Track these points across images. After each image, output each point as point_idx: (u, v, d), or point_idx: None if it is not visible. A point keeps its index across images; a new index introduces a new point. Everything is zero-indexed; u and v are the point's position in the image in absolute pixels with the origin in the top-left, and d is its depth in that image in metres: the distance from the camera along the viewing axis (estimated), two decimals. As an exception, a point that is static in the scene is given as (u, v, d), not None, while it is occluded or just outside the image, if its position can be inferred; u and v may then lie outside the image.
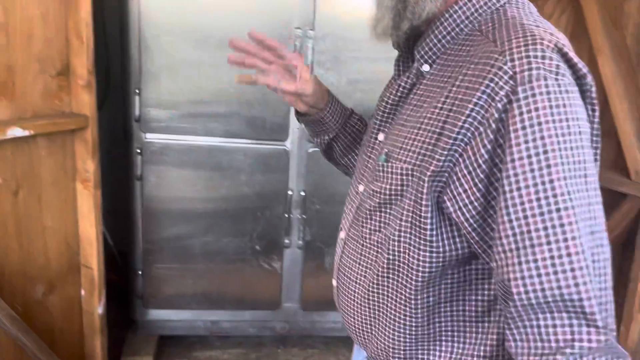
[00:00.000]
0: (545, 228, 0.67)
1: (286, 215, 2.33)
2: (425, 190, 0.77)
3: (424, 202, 0.78)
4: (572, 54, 0.73)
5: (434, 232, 0.79)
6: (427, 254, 0.80)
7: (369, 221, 0.89)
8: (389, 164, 0.84)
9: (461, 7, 0.82)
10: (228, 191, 2.28)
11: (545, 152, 0.67)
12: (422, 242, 0.80)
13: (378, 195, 0.87)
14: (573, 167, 0.68)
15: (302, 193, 2.32)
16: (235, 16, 2.11)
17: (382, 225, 0.87)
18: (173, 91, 2.14)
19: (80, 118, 1.71)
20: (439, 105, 0.78)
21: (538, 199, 0.67)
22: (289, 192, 2.31)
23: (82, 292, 1.88)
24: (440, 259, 0.81)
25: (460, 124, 0.73)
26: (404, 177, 0.82)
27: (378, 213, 0.87)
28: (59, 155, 1.72)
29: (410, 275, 0.83)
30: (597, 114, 0.76)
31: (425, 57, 0.85)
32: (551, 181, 0.67)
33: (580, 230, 0.67)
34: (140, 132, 2.18)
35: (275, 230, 2.34)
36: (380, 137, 0.93)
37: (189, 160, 2.22)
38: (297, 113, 1.18)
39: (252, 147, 2.24)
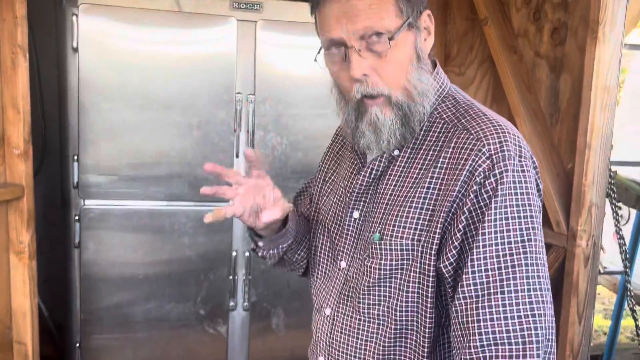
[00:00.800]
0: (502, 280, 0.81)
1: (231, 277, 2.31)
2: (432, 262, 0.88)
3: (431, 273, 0.88)
4: (524, 141, 0.91)
5: (435, 298, 0.90)
6: (433, 318, 0.90)
7: (367, 296, 0.95)
8: (385, 242, 0.92)
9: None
10: (170, 255, 2.25)
11: (507, 218, 0.83)
12: (427, 308, 0.90)
13: (377, 271, 0.94)
14: (526, 232, 0.84)
15: (247, 253, 2.32)
16: (178, 80, 2.16)
17: (382, 298, 0.94)
18: (113, 156, 2.14)
19: (15, 188, 1.68)
20: (426, 185, 0.90)
21: (498, 256, 0.82)
22: (233, 253, 2.31)
23: (15, 370, 1.78)
24: (440, 321, 0.91)
25: (451, 199, 0.86)
26: (405, 252, 0.91)
27: (377, 288, 0.94)
28: (-8, 227, 1.67)
29: (419, 340, 0.92)
30: (540, 182, 0.93)
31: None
32: (509, 242, 0.82)
33: (532, 285, 0.81)
34: (79, 199, 2.14)
35: (219, 292, 2.32)
36: (355, 214, 1.01)
37: (130, 225, 2.19)
38: (255, 234, 1.09)
39: (194, 209, 2.24)
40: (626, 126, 3.84)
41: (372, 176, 0.99)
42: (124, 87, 2.11)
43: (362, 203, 1.00)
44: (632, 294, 1.95)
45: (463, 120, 0.92)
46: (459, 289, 0.83)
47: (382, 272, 0.93)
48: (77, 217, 2.14)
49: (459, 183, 0.86)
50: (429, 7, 0.95)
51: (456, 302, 0.84)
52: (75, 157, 2.11)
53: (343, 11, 0.88)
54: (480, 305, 0.81)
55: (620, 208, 3.18)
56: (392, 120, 0.92)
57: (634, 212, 3.02)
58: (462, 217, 0.85)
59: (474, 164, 0.86)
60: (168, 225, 2.23)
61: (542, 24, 1.79)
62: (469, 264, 0.83)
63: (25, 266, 1.73)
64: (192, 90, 2.18)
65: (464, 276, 0.83)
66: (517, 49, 1.87)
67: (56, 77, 2.19)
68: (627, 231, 3.08)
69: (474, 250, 0.83)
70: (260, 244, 1.10)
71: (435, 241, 0.88)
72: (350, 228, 1.01)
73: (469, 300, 0.82)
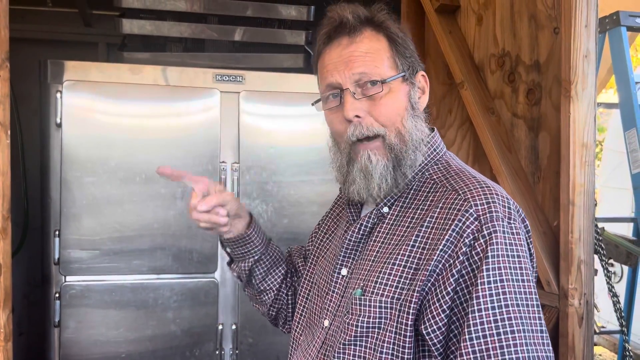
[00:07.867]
0: (502, 347, 0.80)
1: (217, 352, 2.22)
2: (409, 322, 0.86)
3: (408, 333, 0.86)
4: (515, 202, 0.91)
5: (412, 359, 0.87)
6: None
7: (341, 355, 0.92)
8: (366, 297, 0.91)
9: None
10: (154, 331, 2.17)
11: (501, 280, 0.82)
12: None
13: (354, 327, 0.91)
14: (521, 296, 0.83)
15: (234, 326, 2.24)
16: (162, 152, 2.17)
17: (357, 358, 0.91)
18: (95, 230, 2.10)
19: (-9, 266, 1.62)
20: (411, 243, 0.90)
21: (495, 321, 0.81)
22: (219, 327, 2.23)
23: None
24: None
25: (434, 257, 0.85)
26: (383, 310, 0.89)
27: (352, 347, 0.91)
28: (-35, 308, 1.60)
29: None
30: (532, 245, 0.93)
31: (384, 200, 0.97)
32: (506, 306, 0.81)
33: (532, 353, 0.80)
34: (60, 275, 2.09)
35: (206, 369, 2.22)
36: (344, 272, 1.00)
37: (112, 301, 2.13)
38: (223, 239, 1.19)
39: (178, 282, 2.19)
40: (609, 183, 3.89)
41: (361, 232, 0.99)
42: (106, 160, 2.11)
43: (350, 260, 1.00)
44: (631, 353, 1.89)
45: (452, 182, 0.94)
46: (458, 359, 0.81)
47: (359, 329, 0.91)
48: (57, 295, 2.08)
49: (444, 242, 0.86)
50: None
51: None
52: (57, 233, 2.08)
53: (341, 58, 0.94)
54: None
55: (612, 265, 3.15)
56: (385, 164, 0.94)
57: (627, 269, 2.99)
58: (452, 280, 0.84)
59: (460, 224, 0.86)
60: (152, 300, 2.16)
61: (517, 85, 1.84)
62: (466, 330, 0.81)
63: (0, 349, 1.65)
64: (176, 161, 2.18)
65: (462, 344, 0.81)
66: (494, 110, 1.91)
67: (39, 153, 2.19)
68: (622, 289, 3.04)
69: (470, 316, 0.81)
70: (228, 250, 1.18)
71: (413, 300, 0.86)
72: (338, 285, 1.00)
73: None
